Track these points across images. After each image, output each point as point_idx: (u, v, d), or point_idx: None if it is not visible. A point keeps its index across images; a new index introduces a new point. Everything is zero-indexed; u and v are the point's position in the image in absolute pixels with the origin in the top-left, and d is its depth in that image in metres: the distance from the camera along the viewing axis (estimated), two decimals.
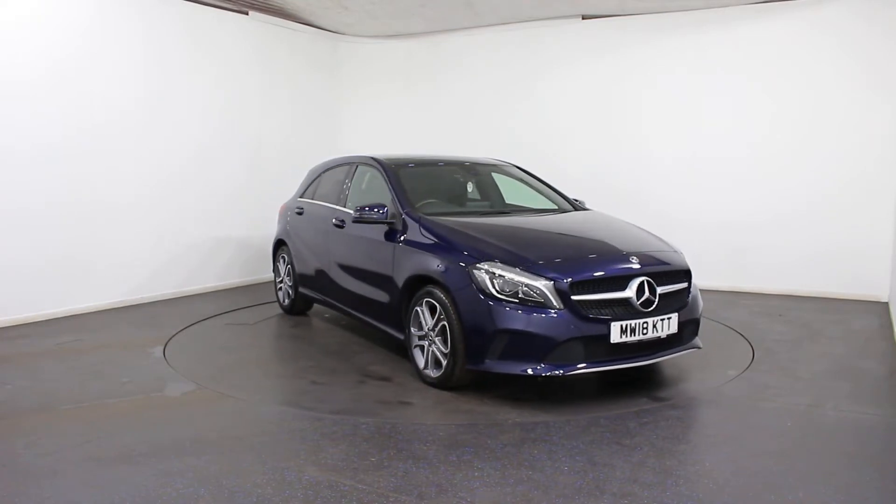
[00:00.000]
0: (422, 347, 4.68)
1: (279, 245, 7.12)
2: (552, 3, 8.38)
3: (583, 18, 8.81)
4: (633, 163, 8.69)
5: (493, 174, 6.22)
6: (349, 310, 5.83)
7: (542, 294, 4.16)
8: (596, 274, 4.29)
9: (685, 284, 4.66)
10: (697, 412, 4.19)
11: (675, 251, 4.89)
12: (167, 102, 7.54)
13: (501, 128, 9.37)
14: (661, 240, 5.06)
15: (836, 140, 7.66)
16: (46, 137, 6.43)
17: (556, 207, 5.77)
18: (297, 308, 6.88)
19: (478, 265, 4.33)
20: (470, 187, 6.00)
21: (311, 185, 6.82)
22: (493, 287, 4.24)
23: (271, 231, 8.91)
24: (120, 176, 7.09)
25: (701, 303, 4.87)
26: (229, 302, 7.46)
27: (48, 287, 6.52)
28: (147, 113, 7.33)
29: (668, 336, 4.42)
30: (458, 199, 5.87)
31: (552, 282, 4.18)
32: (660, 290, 4.39)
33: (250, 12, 8.48)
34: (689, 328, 4.67)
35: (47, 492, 3.11)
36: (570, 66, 9.00)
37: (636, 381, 4.78)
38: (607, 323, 4.17)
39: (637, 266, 4.39)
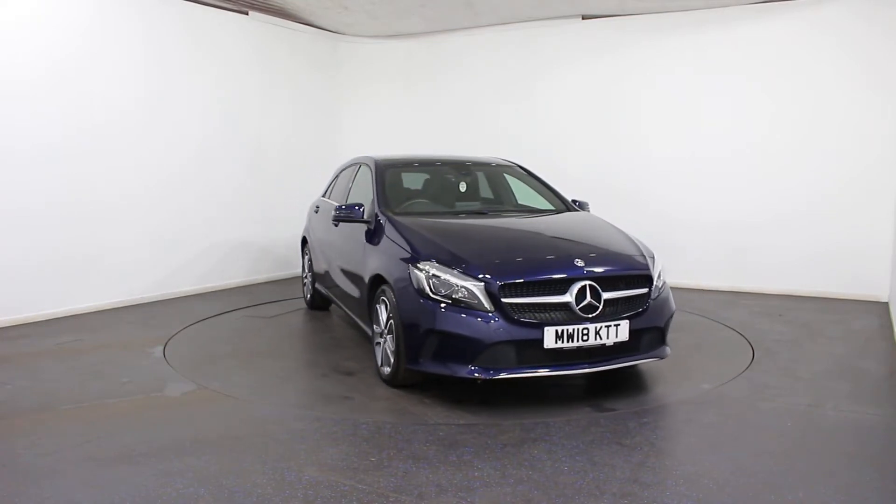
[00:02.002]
0: (380, 345, 4.73)
1: (304, 242, 7.33)
2: (552, 3, 8.38)
3: (583, 18, 8.82)
4: (633, 163, 8.69)
5: (503, 175, 6.20)
6: (342, 305, 5.96)
7: (474, 295, 4.12)
8: (529, 277, 4.15)
9: (643, 290, 4.42)
10: (697, 412, 4.19)
11: (642, 255, 4.63)
12: (167, 102, 7.54)
13: (501, 128, 9.38)
14: (634, 243, 4.81)
15: (836, 140, 7.66)
16: (46, 137, 6.43)
17: (552, 208, 5.72)
18: (316, 303, 7.04)
19: (417, 265, 4.35)
20: (463, 187, 5.96)
21: (331, 184, 7.00)
22: (429, 287, 4.23)
23: (271, 231, 8.96)
24: (120, 176, 7.09)
25: (671, 309, 4.61)
26: (229, 302, 7.46)
27: (48, 287, 6.52)
28: (147, 113, 7.33)
29: (617, 344, 4.21)
30: (448, 199, 5.84)
31: (483, 283, 4.13)
32: (606, 295, 4.20)
33: (250, 12, 8.48)
34: (648, 336, 4.41)
35: (47, 492, 3.11)
36: (570, 66, 9.00)
37: (636, 381, 4.78)
38: (540, 327, 4.05)
39: (581, 270, 4.21)
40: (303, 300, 7.47)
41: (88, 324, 6.40)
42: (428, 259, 4.34)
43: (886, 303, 7.39)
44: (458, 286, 4.16)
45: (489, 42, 9.44)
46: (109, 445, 3.63)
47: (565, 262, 4.28)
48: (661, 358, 4.55)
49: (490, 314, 4.07)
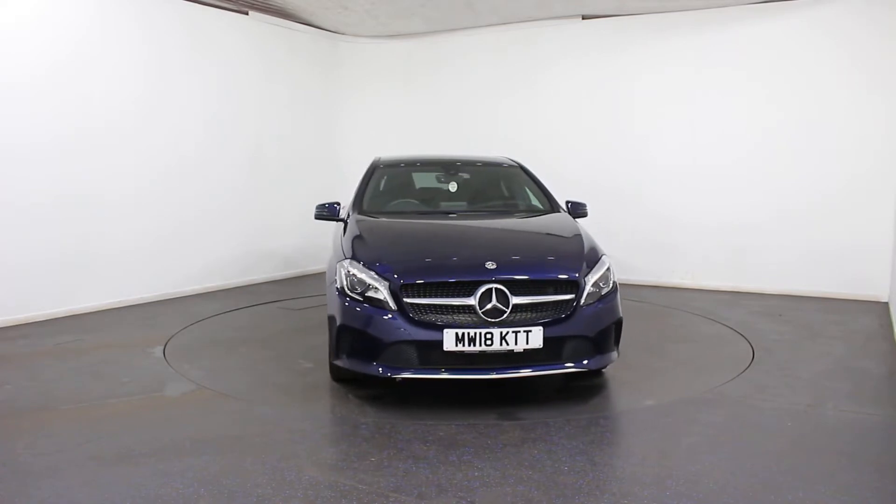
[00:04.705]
0: None
1: None
2: (552, 4, 8.38)
3: (583, 18, 8.82)
4: (634, 163, 8.70)
5: (501, 174, 6.08)
6: None
7: (382, 294, 4.15)
8: (430, 278, 4.12)
9: (567, 297, 4.19)
10: (697, 412, 4.19)
11: (577, 260, 4.38)
12: (167, 102, 7.54)
13: (501, 128, 9.38)
14: (581, 248, 4.54)
15: (836, 140, 7.66)
16: (46, 137, 6.43)
17: (540, 209, 5.56)
18: None
19: (342, 262, 4.43)
20: (453, 187, 5.91)
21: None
22: (347, 284, 4.29)
23: (272, 230, 8.95)
24: (120, 176, 7.09)
25: (611, 318, 4.35)
26: (227, 302, 7.46)
27: (48, 287, 6.52)
28: (147, 113, 7.33)
29: (528, 351, 4.05)
30: (435, 199, 5.81)
31: (388, 283, 4.15)
32: (516, 300, 4.06)
33: (250, 12, 8.48)
34: (572, 345, 4.18)
35: (47, 492, 3.11)
36: (570, 66, 9.00)
37: (635, 382, 4.79)
38: (441, 329, 4.01)
39: (489, 273, 4.09)
40: None
41: (88, 324, 6.40)
42: (353, 258, 4.41)
43: (886, 303, 7.38)
44: (369, 285, 4.21)
45: (489, 42, 9.44)
46: (109, 445, 3.63)
47: (475, 265, 4.19)
48: (591, 369, 4.29)
49: (392, 313, 4.09)
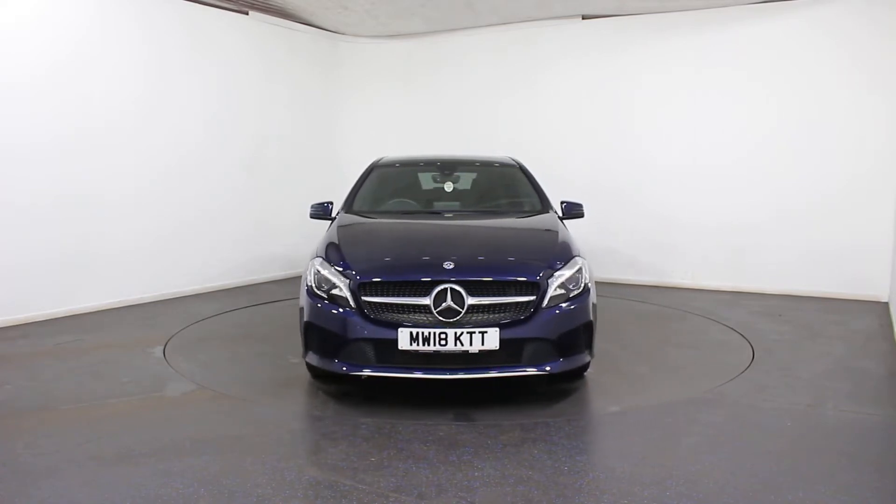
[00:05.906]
0: None
1: None
2: (552, 4, 8.38)
3: (583, 18, 8.82)
4: (634, 164, 8.69)
5: (500, 174, 6.07)
6: None
7: (343, 292, 4.20)
8: (387, 277, 4.16)
9: (527, 298, 4.11)
10: (697, 412, 4.19)
11: (542, 261, 4.32)
12: (167, 102, 7.54)
13: (501, 128, 9.38)
14: (551, 250, 4.49)
15: (836, 140, 7.66)
16: (46, 137, 6.43)
17: (535, 210, 5.51)
18: None
19: (314, 261, 4.51)
20: (449, 188, 5.90)
21: None
22: (314, 282, 4.37)
23: (272, 230, 8.94)
24: (120, 176, 7.09)
25: (579, 320, 4.25)
26: (227, 302, 7.46)
27: (48, 287, 6.52)
28: (147, 113, 7.33)
29: (484, 352, 4.01)
30: (428, 200, 5.83)
31: (349, 281, 4.21)
32: (472, 300, 4.02)
33: (250, 12, 8.49)
34: (532, 347, 4.11)
35: (47, 492, 3.11)
36: (570, 66, 9.00)
37: (635, 381, 4.79)
38: (396, 328, 4.03)
39: (446, 273, 4.08)
40: None
41: (88, 324, 6.40)
42: (324, 257, 4.48)
43: (886, 303, 7.38)
44: (333, 283, 4.26)
45: (489, 42, 9.44)
46: (109, 445, 3.63)
47: (433, 265, 4.18)
48: (554, 373, 4.17)
49: (351, 311, 4.15)
